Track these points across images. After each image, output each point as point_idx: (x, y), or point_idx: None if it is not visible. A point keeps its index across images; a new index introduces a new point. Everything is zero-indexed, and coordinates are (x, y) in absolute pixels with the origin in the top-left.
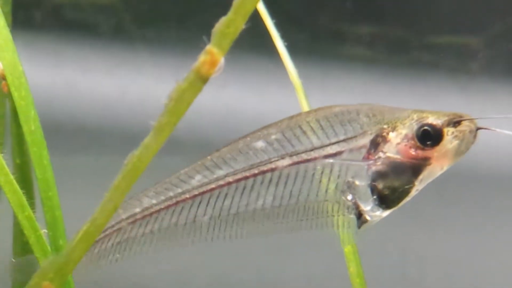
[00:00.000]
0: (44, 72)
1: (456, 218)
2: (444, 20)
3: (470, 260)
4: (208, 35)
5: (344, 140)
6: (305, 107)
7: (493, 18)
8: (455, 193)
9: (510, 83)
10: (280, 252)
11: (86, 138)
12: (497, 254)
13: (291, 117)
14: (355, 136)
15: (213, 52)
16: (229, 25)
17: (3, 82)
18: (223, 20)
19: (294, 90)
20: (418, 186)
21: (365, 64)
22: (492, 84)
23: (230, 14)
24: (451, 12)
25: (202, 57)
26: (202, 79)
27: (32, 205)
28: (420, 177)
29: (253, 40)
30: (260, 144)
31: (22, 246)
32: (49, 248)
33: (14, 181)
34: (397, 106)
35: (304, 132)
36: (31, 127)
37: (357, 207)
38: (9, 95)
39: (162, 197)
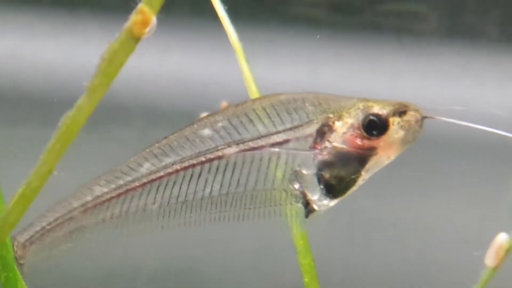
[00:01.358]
0: None
1: (404, 181)
2: None
3: (417, 223)
4: None
5: (290, 129)
6: (246, 71)
7: None
8: (403, 156)
9: (453, 44)
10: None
11: (30, 107)
12: (444, 217)
13: (237, 105)
14: (301, 125)
15: (144, 11)
16: None
17: None
18: None
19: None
20: (365, 175)
21: (310, 26)
22: (437, 46)
23: None
24: None
25: (134, 17)
26: (134, 39)
27: None
28: (367, 166)
29: (194, 5)
30: (206, 131)
31: None
32: None
33: None
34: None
35: (251, 120)
36: None
37: (304, 196)
38: None
39: (113, 185)
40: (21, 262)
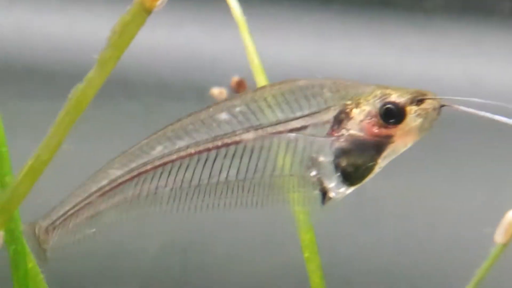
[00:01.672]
0: None
1: (414, 160)
2: None
3: (427, 202)
4: None
5: (308, 115)
6: (249, 44)
7: None
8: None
9: (465, 21)
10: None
11: (39, 81)
12: (454, 196)
13: (256, 90)
14: (319, 111)
15: None
16: None
17: None
18: None
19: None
20: (381, 163)
21: (320, 1)
22: (447, 23)
23: None
24: None
25: None
26: (146, 11)
27: None
28: (384, 154)
29: None
30: (224, 116)
31: None
32: None
33: None
34: (352, 45)
35: (269, 106)
36: None
37: (321, 183)
38: None
39: (126, 169)
40: (44, 247)
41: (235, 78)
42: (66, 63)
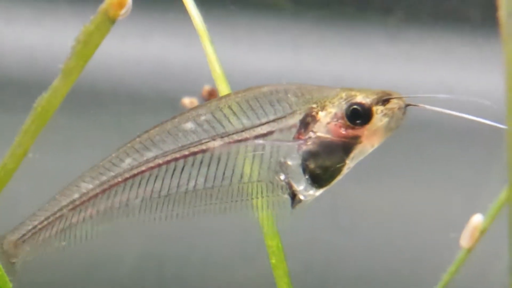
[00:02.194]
0: None
1: (387, 166)
2: None
3: (399, 207)
4: None
5: (274, 120)
6: (210, 53)
7: None
8: (387, 141)
9: (437, 31)
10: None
11: (11, 91)
12: (427, 203)
13: (220, 98)
14: (284, 116)
15: None
16: None
17: None
18: None
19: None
20: (350, 164)
21: (291, 14)
22: (420, 32)
23: None
24: None
25: None
26: (110, 20)
27: None
28: (351, 155)
29: None
30: (189, 125)
31: None
32: None
33: None
34: (327, 57)
35: (234, 113)
36: None
37: (290, 187)
38: None
39: (97, 182)
40: (13, 260)
41: (206, 87)
42: (38, 74)
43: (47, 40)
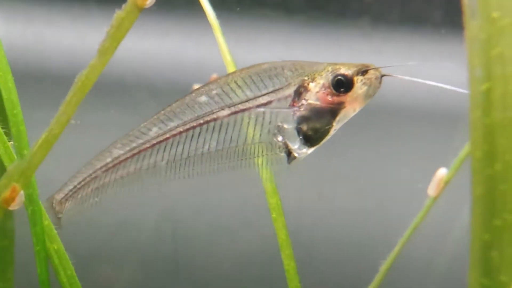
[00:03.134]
0: (15, 27)
1: (364, 144)
2: None
3: (375, 179)
4: None
5: (272, 92)
6: (222, 43)
7: None
8: (364, 123)
9: (405, 30)
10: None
11: (51, 83)
12: (400, 174)
13: (228, 75)
14: (281, 88)
15: None
16: None
17: None
18: None
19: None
20: (336, 126)
21: (284, 17)
22: (389, 30)
23: None
24: None
25: None
26: (138, 8)
27: (4, 124)
28: (337, 118)
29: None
30: (203, 98)
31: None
32: (15, 157)
33: None
34: (312, 51)
35: (239, 86)
36: None
37: (286, 146)
38: None
39: (127, 148)
40: (59, 216)
41: (214, 76)
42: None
43: (80, 39)
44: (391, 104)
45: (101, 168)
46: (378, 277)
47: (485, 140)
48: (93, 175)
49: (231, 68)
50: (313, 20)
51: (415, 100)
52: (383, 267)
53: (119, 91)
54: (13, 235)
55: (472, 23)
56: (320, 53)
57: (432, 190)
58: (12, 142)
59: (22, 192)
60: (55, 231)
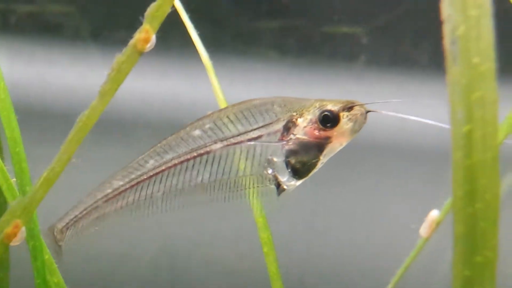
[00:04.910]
0: (19, 66)
1: (354, 182)
2: (337, 13)
3: (365, 215)
4: (143, 17)
5: (263, 126)
6: (215, 84)
7: (377, 12)
8: (353, 162)
9: (393, 72)
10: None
11: (54, 121)
12: (388, 209)
13: (221, 110)
14: (271, 123)
15: (147, 30)
16: (158, 9)
17: None
18: (153, 5)
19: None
20: (323, 159)
21: (277, 57)
22: (379, 73)
23: (158, 0)
24: (343, 6)
25: (138, 34)
26: (138, 52)
27: (3, 159)
28: (324, 152)
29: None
30: (197, 132)
31: (2, 201)
32: (18, 193)
33: None
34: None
35: (231, 121)
36: (1, 96)
37: (276, 178)
38: None
39: (126, 179)
40: (59, 244)
41: (209, 112)
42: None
43: (81, 79)
44: (385, 141)
45: (101, 198)
46: None
47: (466, 180)
48: (94, 205)
49: (223, 106)
50: (305, 63)
51: (408, 138)
52: None
53: (118, 129)
54: (8, 267)
55: (454, 69)
56: (313, 93)
57: (423, 230)
58: (14, 179)
59: (23, 228)
60: (55, 265)
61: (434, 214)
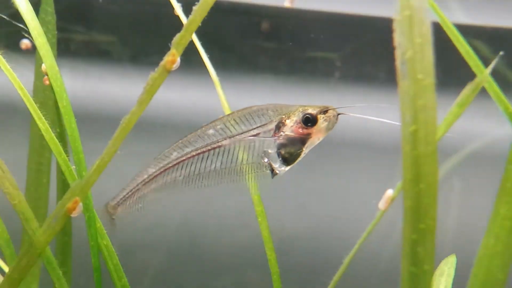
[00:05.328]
0: (77, 83)
1: (331, 168)
2: (317, 42)
3: (337, 194)
4: (171, 44)
5: (260, 126)
6: (223, 97)
7: (347, 41)
8: (328, 152)
9: (359, 86)
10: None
11: (104, 123)
12: (356, 189)
13: (228, 114)
14: (266, 123)
15: (173, 54)
16: (181, 39)
17: (45, 76)
18: (178, 35)
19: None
20: (305, 151)
21: (268, 73)
22: (348, 87)
23: (182, 32)
24: (322, 37)
25: (166, 57)
26: (166, 71)
27: (66, 152)
28: (306, 145)
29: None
30: (210, 131)
31: (62, 180)
32: (76, 177)
33: (56, 139)
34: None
35: (237, 122)
36: (63, 103)
37: (270, 165)
38: (50, 86)
39: (157, 167)
40: (113, 217)
41: (220, 116)
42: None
43: (123, 92)
44: (353, 137)
45: (140, 182)
46: (342, 267)
47: (413, 167)
48: (136, 188)
49: (227, 112)
50: (293, 78)
51: (370, 134)
52: (346, 259)
53: (151, 129)
54: (70, 233)
55: (404, 83)
56: (298, 101)
57: (381, 204)
58: (74, 167)
59: (81, 203)
60: (105, 231)
61: (390, 192)
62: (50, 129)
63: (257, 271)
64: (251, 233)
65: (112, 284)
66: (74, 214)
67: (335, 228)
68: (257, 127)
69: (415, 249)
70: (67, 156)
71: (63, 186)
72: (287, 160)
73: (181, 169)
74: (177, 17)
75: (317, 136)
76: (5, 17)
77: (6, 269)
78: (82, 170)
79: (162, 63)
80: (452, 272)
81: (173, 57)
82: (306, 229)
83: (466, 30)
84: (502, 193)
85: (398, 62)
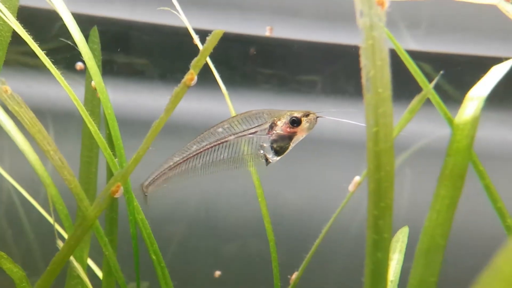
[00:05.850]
0: (119, 95)
1: (311, 160)
2: (304, 67)
3: (314, 180)
4: (190, 65)
5: (257, 126)
6: (230, 105)
7: (326, 66)
8: (309, 147)
9: (334, 97)
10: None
11: (139, 126)
12: (330, 176)
13: (233, 116)
14: (262, 124)
15: (192, 73)
16: (198, 61)
17: (96, 91)
18: (195, 59)
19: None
20: (292, 145)
21: (267, 91)
22: (327, 99)
23: (198, 56)
24: (306, 64)
25: (186, 76)
26: (186, 86)
27: (110, 148)
28: (293, 141)
29: (211, 82)
30: (219, 129)
31: (110, 172)
32: (118, 167)
33: (102, 138)
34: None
35: (239, 123)
36: (108, 111)
37: (265, 156)
38: (98, 98)
39: (180, 157)
40: (146, 194)
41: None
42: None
43: (154, 102)
44: (329, 135)
45: (167, 167)
46: (321, 235)
47: (374, 158)
48: (163, 172)
49: (233, 115)
50: (284, 91)
51: (343, 133)
52: (324, 229)
53: (175, 130)
54: (117, 210)
55: (368, 95)
56: (288, 108)
57: (351, 187)
58: (116, 159)
59: (122, 187)
60: (140, 208)
61: (357, 178)
62: (98, 131)
63: (258, 239)
64: (253, 210)
65: (146, 249)
66: (117, 195)
67: (316, 205)
68: (255, 127)
69: (377, 222)
70: (113, 153)
71: (109, 174)
72: (278, 152)
73: (198, 158)
74: (195, 45)
75: (301, 134)
76: (69, 42)
77: (65, 236)
78: (122, 162)
79: (183, 80)
80: (405, 239)
81: (191, 76)
82: (294, 206)
83: (415, 55)
84: (442, 178)
85: (364, 79)
